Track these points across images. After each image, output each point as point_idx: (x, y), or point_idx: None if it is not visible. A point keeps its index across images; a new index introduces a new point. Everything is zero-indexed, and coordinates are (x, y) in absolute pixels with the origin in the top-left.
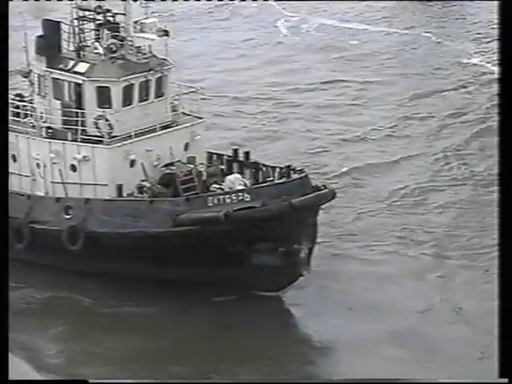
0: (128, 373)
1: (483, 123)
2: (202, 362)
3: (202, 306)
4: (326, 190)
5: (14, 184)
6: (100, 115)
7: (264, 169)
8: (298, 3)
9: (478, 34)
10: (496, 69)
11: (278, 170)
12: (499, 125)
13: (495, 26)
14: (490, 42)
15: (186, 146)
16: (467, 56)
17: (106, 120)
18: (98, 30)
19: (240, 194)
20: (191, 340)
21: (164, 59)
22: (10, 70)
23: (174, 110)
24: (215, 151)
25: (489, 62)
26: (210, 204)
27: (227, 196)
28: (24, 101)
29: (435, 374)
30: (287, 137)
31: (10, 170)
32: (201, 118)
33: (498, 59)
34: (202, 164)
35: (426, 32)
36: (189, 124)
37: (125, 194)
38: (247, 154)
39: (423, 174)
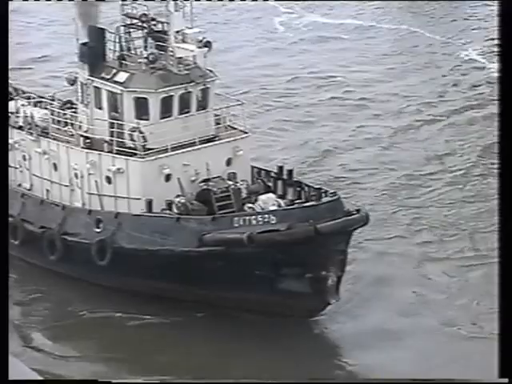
0: None
1: (484, 121)
2: None
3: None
4: (357, 215)
5: (55, 194)
6: (134, 127)
7: (306, 188)
8: (296, 2)
9: (476, 32)
10: (495, 66)
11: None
12: (500, 122)
13: (495, 26)
14: (489, 40)
15: (229, 162)
16: (466, 54)
17: (141, 132)
18: (145, 39)
19: (266, 215)
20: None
21: (210, 70)
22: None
23: (218, 123)
24: (264, 167)
25: (490, 62)
26: (236, 224)
27: (253, 217)
28: (72, 108)
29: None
30: None
31: (51, 179)
32: (246, 133)
33: (498, 58)
34: (243, 181)
35: (422, 29)
36: (231, 139)
37: (159, 209)
38: (290, 172)
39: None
